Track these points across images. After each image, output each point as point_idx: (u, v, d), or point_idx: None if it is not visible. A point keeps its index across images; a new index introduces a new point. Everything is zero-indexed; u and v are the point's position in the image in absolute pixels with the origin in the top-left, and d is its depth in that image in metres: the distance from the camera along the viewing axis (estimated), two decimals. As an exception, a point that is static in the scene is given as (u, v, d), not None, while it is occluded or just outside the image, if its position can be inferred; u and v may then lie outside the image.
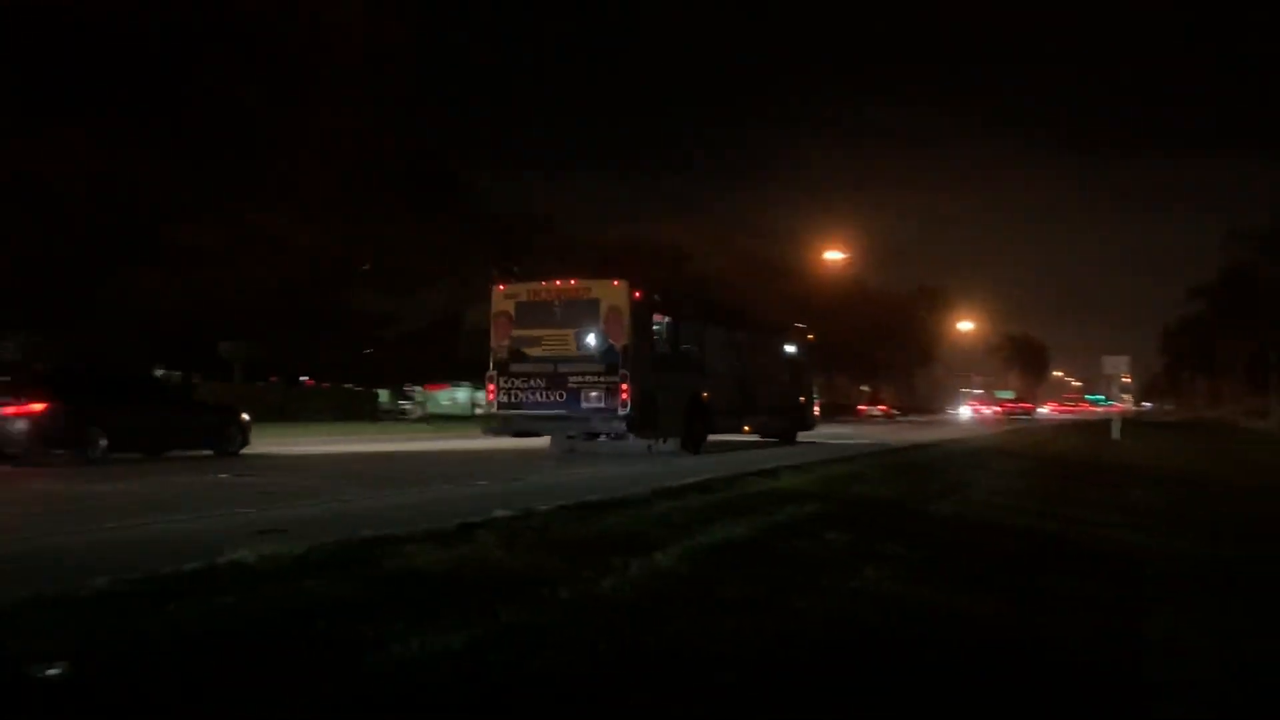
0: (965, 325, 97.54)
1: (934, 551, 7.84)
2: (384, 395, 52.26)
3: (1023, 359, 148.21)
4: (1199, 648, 5.09)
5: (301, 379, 47.28)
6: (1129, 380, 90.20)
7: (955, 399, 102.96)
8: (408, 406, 52.88)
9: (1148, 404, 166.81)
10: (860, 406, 72.15)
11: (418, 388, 51.95)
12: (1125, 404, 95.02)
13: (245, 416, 19.27)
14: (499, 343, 19.07)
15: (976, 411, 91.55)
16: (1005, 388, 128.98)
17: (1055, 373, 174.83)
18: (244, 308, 31.24)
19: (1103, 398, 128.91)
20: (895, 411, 73.74)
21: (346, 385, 47.91)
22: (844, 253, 68.73)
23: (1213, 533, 9.78)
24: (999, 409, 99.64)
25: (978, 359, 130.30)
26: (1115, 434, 35.06)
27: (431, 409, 52.42)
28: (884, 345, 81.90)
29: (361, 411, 43.96)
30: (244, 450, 18.47)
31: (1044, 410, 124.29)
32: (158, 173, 27.74)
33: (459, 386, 57.16)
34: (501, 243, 43.61)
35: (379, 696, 3.62)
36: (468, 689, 3.78)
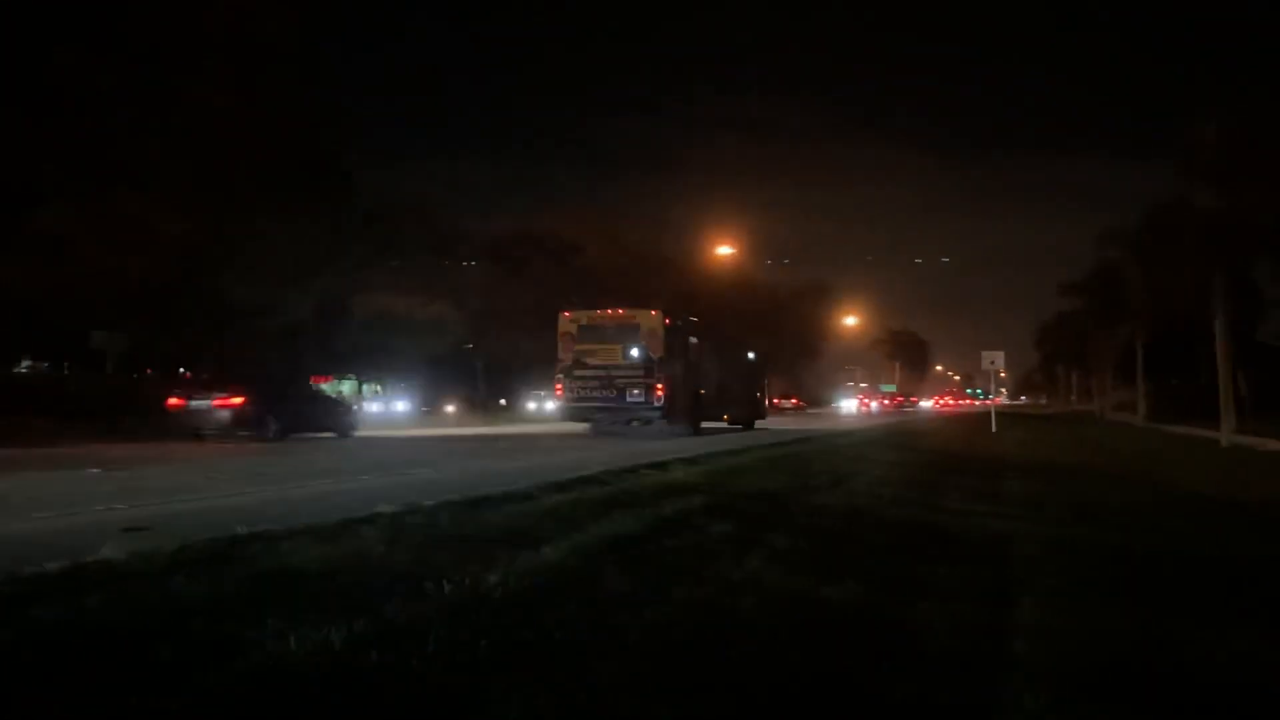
0: (850, 320, 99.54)
1: (816, 542, 7.98)
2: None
3: (905, 354, 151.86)
4: (1062, 630, 5.28)
5: (180, 372, 45.68)
6: (1005, 375, 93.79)
7: (839, 392, 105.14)
8: None
9: (1024, 398, 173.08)
10: (775, 400, 76.36)
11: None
12: (1002, 398, 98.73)
13: (356, 408, 26.90)
14: (565, 354, 26.45)
15: (863, 405, 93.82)
16: (888, 382, 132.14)
17: (937, 367, 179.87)
18: (112, 298, 29.96)
19: (981, 391, 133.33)
20: (805, 405, 76.97)
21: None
22: (731, 247, 69.58)
23: (1077, 518, 10.17)
24: (888, 402, 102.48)
25: (861, 353, 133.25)
26: (993, 426, 36.23)
27: None
28: (770, 339, 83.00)
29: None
30: (353, 433, 25.00)
31: (928, 404, 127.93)
32: (12, 156, 26.44)
33: (344, 379, 55.98)
34: (383, 232, 42.70)
35: (255, 695, 3.55)
36: (346, 687, 3.71)
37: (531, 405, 59.49)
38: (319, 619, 4.35)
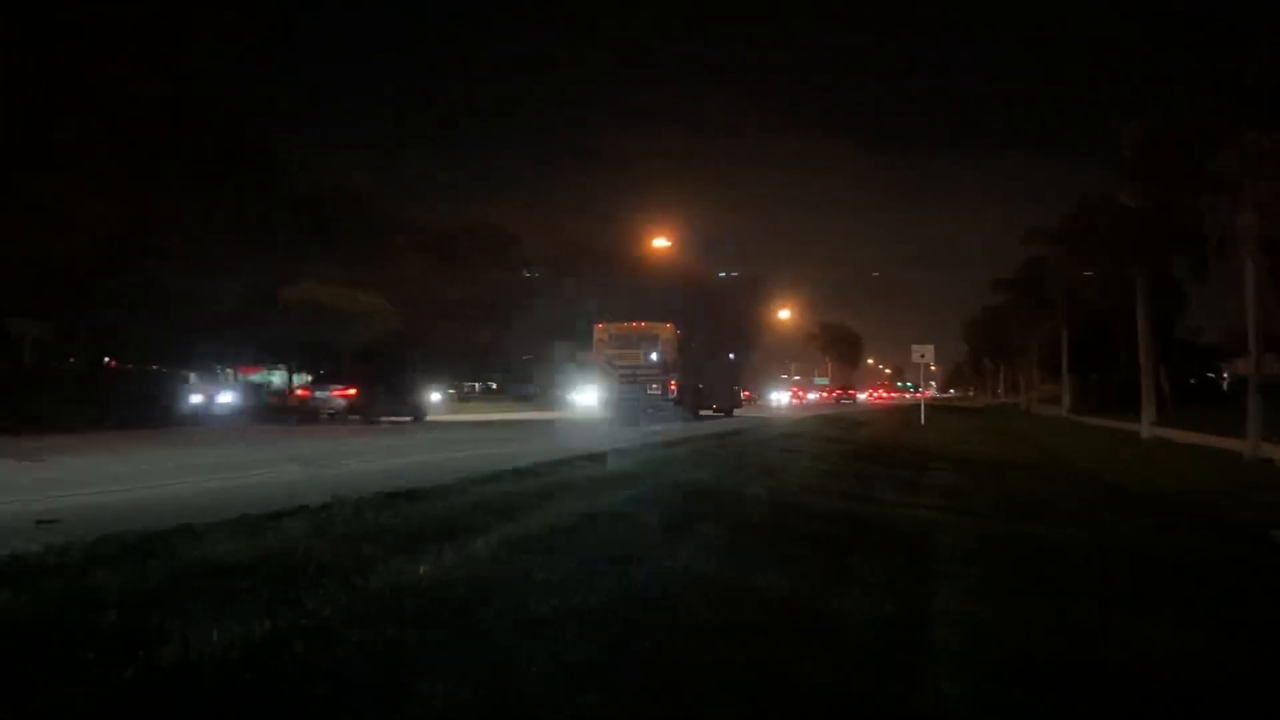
0: (784, 314, 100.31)
1: (747, 533, 8.04)
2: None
3: (838, 347, 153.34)
4: (983, 618, 5.38)
5: (105, 360, 44.49)
6: (935, 369, 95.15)
7: (773, 385, 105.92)
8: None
9: (953, 391, 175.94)
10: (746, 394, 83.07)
11: (228, 370, 49.59)
12: (931, 391, 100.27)
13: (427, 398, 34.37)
14: (598, 357, 33.58)
15: (798, 397, 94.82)
16: (822, 375, 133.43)
17: (869, 360, 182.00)
18: (28, 284, 29.01)
19: (912, 385, 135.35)
20: (753, 396, 78.67)
21: (154, 368, 45.34)
22: (668, 240, 69.69)
23: (1001, 509, 10.36)
24: (827, 394, 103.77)
25: (796, 347, 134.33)
26: (922, 419, 36.78)
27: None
28: (706, 331, 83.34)
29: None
30: (427, 419, 30.95)
31: (863, 396, 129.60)
32: None
33: (275, 370, 54.94)
34: (316, 220, 41.97)
35: (173, 688, 3.50)
36: (266, 681, 3.66)
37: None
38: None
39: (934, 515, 9.73)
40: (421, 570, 5.30)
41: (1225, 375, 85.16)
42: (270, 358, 50.88)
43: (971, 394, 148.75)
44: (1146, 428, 26.23)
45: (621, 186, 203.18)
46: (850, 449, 18.93)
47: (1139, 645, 4.94)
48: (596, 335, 33.86)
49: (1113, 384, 54.65)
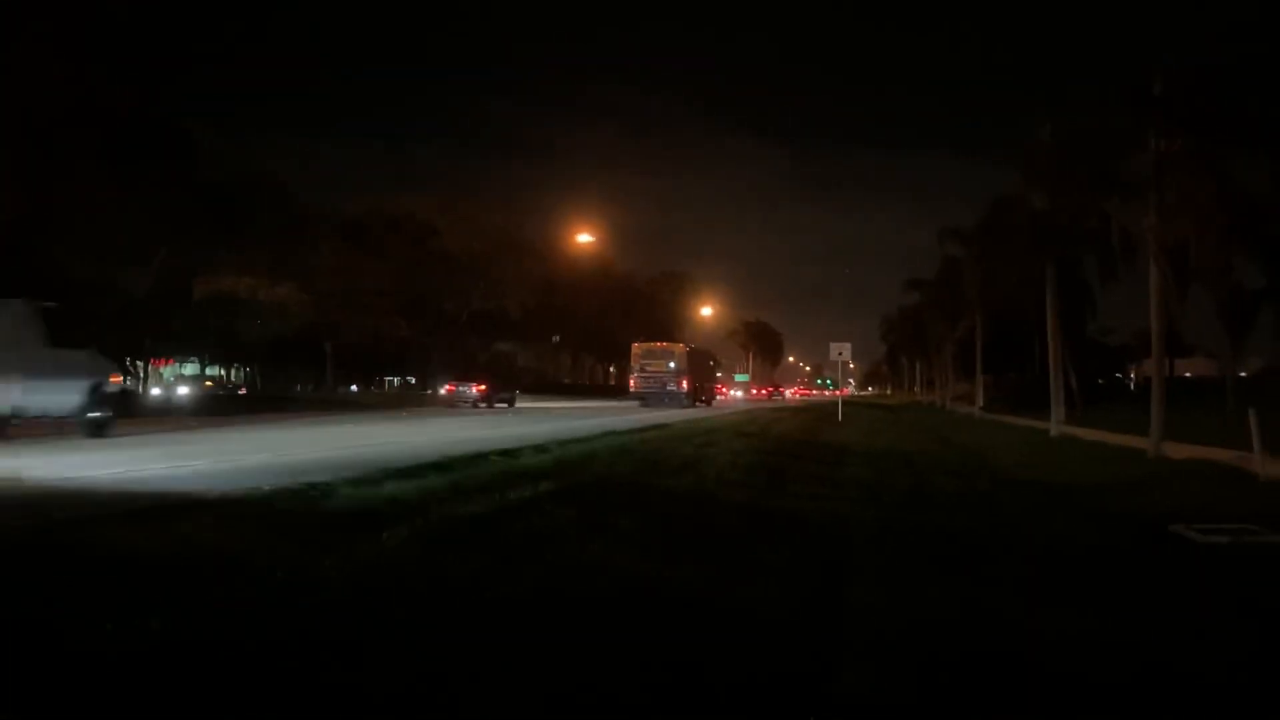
0: (705, 310, 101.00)
1: (662, 526, 8.07)
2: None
3: (759, 344, 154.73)
4: (889, 607, 5.49)
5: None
6: (854, 366, 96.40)
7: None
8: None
9: (871, 388, 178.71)
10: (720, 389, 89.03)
11: (139, 362, 48.22)
12: (849, 388, 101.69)
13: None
14: (635, 364, 51.04)
15: (719, 392, 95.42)
16: (742, 372, 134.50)
17: (789, 358, 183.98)
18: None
19: (831, 382, 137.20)
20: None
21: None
22: (591, 235, 69.72)
23: (912, 503, 10.57)
24: (759, 392, 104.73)
25: (717, 344, 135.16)
26: (839, 416, 37.25)
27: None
28: (628, 327, 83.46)
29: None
30: (517, 406, 42.27)
31: (787, 394, 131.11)
32: None
33: (188, 361, 53.61)
34: (233, 210, 41.03)
35: (72, 678, 3.52)
36: (165, 671, 3.66)
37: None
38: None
39: (847, 509, 9.91)
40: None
41: (1133, 375, 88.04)
42: (182, 349, 49.76)
43: (889, 392, 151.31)
44: (1055, 425, 26.93)
45: (548, 181, 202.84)
46: (771, 442, 19.18)
47: (1044, 631, 5.09)
48: (633, 351, 52.20)
49: (1025, 382, 56.04)
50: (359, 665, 3.88)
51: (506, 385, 45.81)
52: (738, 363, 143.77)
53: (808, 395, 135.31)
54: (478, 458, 12.22)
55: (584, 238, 71.05)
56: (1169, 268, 18.40)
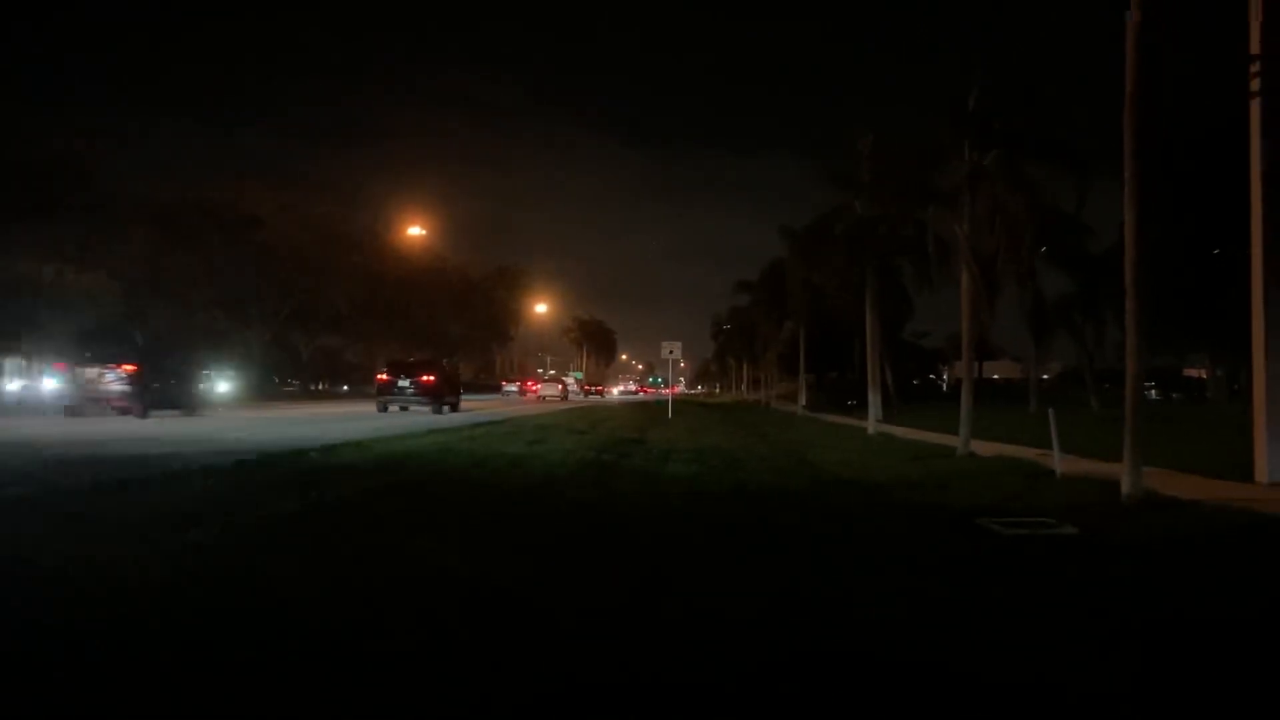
0: (540, 307, 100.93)
1: (489, 524, 8.02)
2: None
3: (593, 341, 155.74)
4: (709, 592, 5.59)
5: None
6: (685, 365, 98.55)
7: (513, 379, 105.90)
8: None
9: (700, 387, 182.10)
10: (503, 382, 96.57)
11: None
12: (680, 387, 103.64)
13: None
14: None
15: (530, 389, 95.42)
16: (577, 369, 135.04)
17: (622, 356, 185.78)
18: None
19: (661, 380, 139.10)
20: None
21: None
22: (423, 228, 68.57)
23: (733, 497, 10.82)
24: (584, 389, 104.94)
25: (552, 340, 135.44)
26: (669, 413, 37.77)
27: None
28: (460, 322, 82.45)
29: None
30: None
31: (618, 391, 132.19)
32: None
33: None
34: (40, 193, 38.68)
35: None
36: None
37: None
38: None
39: (677, 503, 10.06)
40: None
41: (946, 376, 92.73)
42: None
43: (718, 390, 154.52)
44: (873, 424, 27.95)
45: (383, 171, 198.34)
46: (603, 438, 19.30)
47: (854, 609, 5.38)
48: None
49: (846, 382, 58.27)
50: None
51: (453, 387, 39.43)
52: (571, 360, 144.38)
53: (648, 394, 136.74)
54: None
55: (415, 230, 69.83)
56: (980, 274, 19.30)
